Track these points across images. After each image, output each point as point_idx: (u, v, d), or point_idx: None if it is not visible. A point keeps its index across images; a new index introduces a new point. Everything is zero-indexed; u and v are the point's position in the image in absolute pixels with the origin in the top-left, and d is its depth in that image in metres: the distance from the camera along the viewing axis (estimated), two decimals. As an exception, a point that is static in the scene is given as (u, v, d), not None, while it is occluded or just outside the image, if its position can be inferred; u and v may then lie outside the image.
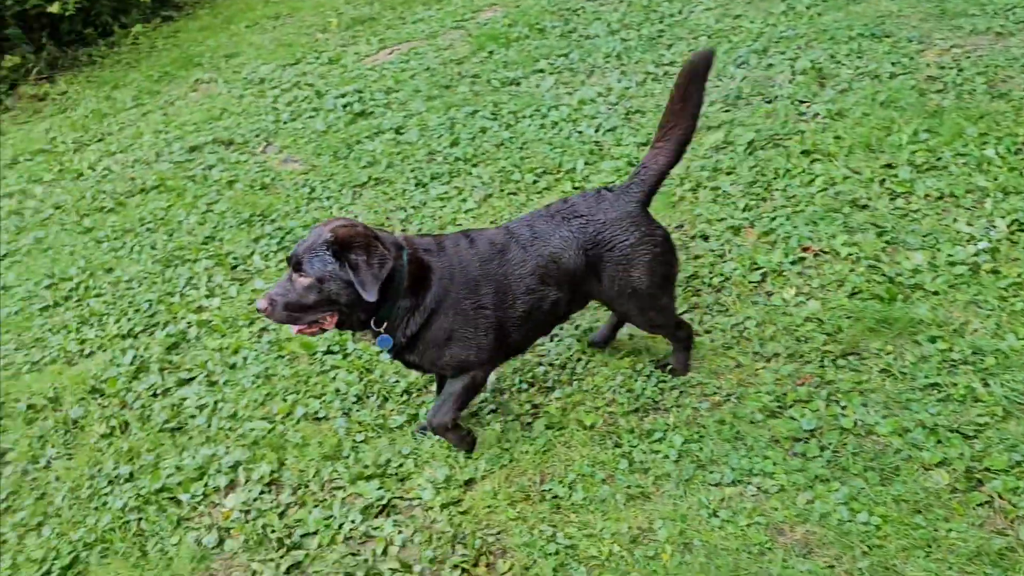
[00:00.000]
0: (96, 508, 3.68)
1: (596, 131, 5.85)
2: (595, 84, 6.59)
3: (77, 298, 5.35)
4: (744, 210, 4.66)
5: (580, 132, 5.88)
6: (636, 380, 3.67)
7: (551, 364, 3.92)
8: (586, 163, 5.45)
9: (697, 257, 4.38)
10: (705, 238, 4.52)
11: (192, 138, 7.44)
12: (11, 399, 4.47)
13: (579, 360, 3.89)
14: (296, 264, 3.06)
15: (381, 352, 3.35)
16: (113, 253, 5.79)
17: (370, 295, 2.99)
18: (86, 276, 5.54)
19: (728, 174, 5.00)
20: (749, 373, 3.62)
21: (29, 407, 4.38)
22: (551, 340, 4.07)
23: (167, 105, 8.58)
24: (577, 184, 5.26)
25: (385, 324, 3.20)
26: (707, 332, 3.87)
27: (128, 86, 9.27)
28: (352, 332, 3.35)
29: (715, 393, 3.55)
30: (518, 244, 3.32)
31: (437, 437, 3.55)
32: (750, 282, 4.13)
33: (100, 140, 8.02)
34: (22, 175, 7.45)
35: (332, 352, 4.28)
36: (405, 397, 3.94)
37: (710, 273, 4.22)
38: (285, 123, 7.35)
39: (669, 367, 3.72)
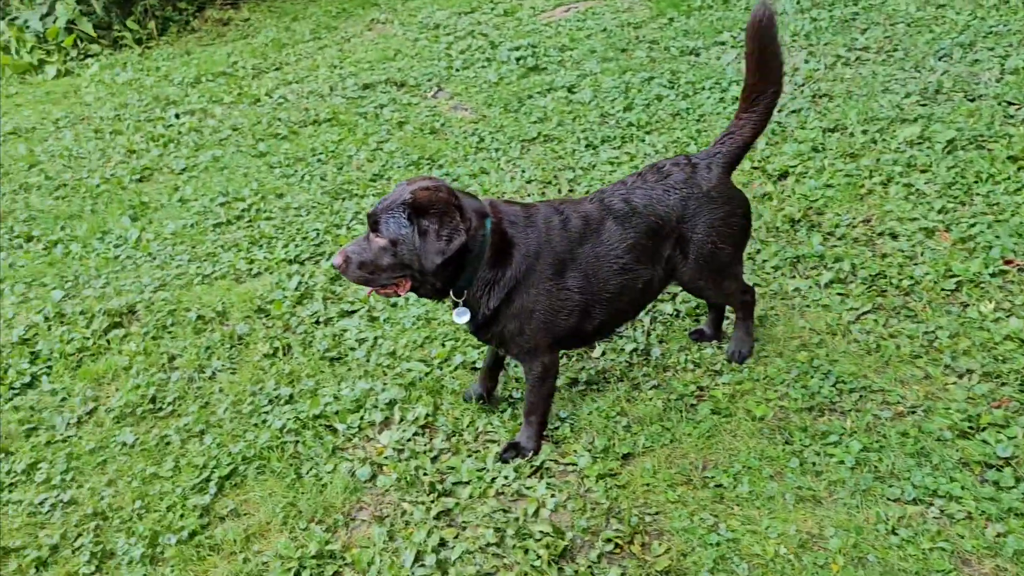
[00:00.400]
0: (256, 425, 3.78)
1: (779, 111, 5.57)
2: (781, 62, 6.27)
3: (248, 219, 5.50)
4: (939, 212, 4.34)
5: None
6: (812, 377, 3.47)
7: (720, 347, 3.76)
8: (767, 143, 5.20)
9: (884, 256, 4.11)
10: (894, 236, 4.24)
11: (366, 76, 7.53)
12: (182, 307, 4.64)
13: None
14: (373, 223, 2.95)
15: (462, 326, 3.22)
16: (284, 179, 5.92)
17: (430, 265, 2.88)
18: (258, 199, 5.69)
19: (923, 172, 4.66)
20: (938, 387, 3.36)
21: (199, 317, 4.54)
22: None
23: (343, 41, 8.72)
24: (755, 165, 5.03)
25: (465, 295, 3.08)
26: (892, 336, 3.63)
27: (307, 19, 9.46)
28: (432, 300, 3.21)
29: (898, 403, 3.32)
30: (615, 219, 3.17)
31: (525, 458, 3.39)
32: (943, 290, 3.84)
33: (277, 69, 8.23)
34: (204, 95, 7.72)
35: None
36: (565, 360, 3.86)
37: (899, 275, 3.95)
38: (457, 70, 7.34)
39: (738, 353, 3.63)
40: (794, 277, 4.09)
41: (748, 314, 3.61)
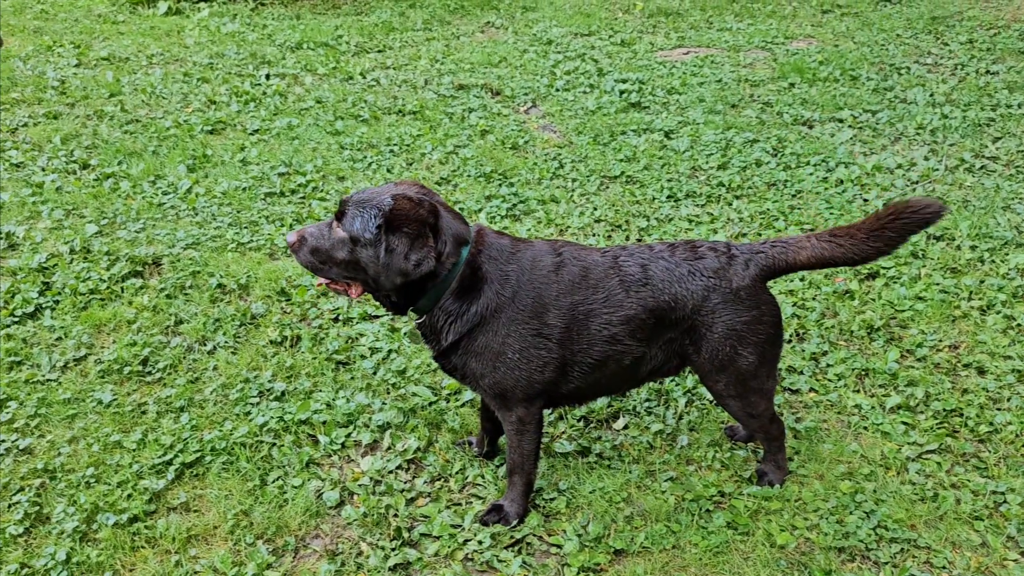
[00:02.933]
0: (238, 415, 3.49)
1: (884, 205, 5.07)
2: (898, 153, 5.78)
3: (302, 195, 5.26)
4: (1040, 357, 3.82)
5: (866, 200, 5.15)
6: (851, 513, 3.01)
7: (754, 451, 3.32)
8: (863, 237, 4.71)
9: (966, 391, 3.61)
10: (981, 372, 3.74)
11: (464, 76, 7.27)
12: (206, 271, 4.40)
13: (790, 459, 3.27)
14: (340, 212, 2.70)
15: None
16: (351, 163, 5.68)
17: (388, 283, 2.65)
18: (318, 176, 5.45)
19: (1031, 307, 4.14)
20: (995, 560, 2.87)
21: (219, 286, 4.29)
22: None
23: (452, 38, 8.50)
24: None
25: (424, 319, 2.79)
26: (954, 487, 3.14)
27: (423, 8, 9.28)
28: (388, 311, 2.92)
29: (944, 568, 2.84)
30: (622, 282, 2.79)
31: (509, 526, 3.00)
32: (1025, 447, 3.33)
33: (380, 51, 8.04)
34: (300, 61, 7.56)
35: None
36: (582, 424, 3.47)
37: (977, 417, 3.45)
38: (557, 90, 7.03)
39: (766, 478, 3.15)
40: (857, 392, 3.62)
41: (776, 447, 3.14)
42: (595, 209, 5.10)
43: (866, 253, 2.81)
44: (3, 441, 3.35)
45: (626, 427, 3.44)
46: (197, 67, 7.32)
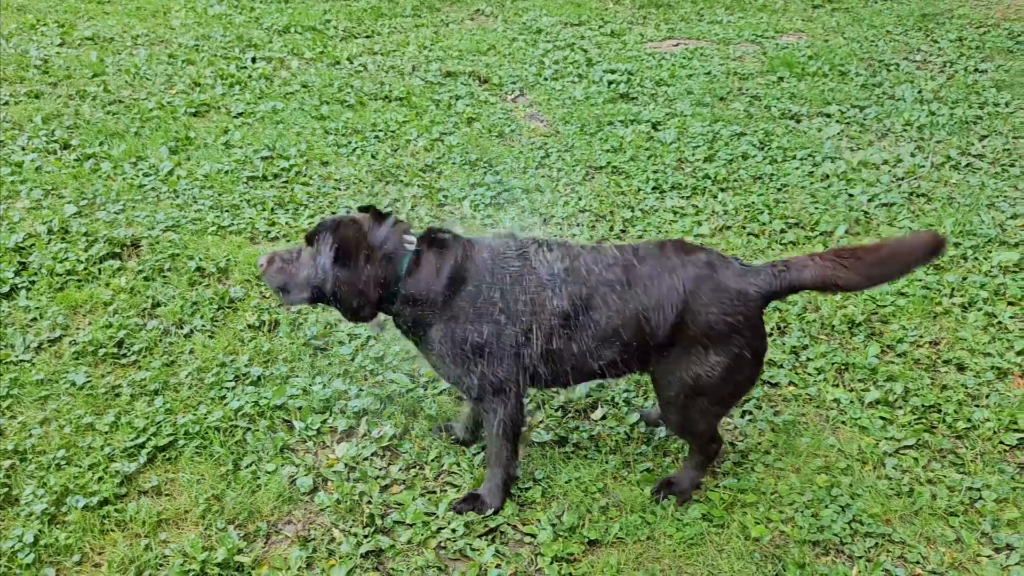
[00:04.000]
0: (212, 399, 3.45)
1: (869, 200, 5.08)
2: (884, 149, 5.78)
3: (285, 179, 5.21)
4: (1019, 354, 3.81)
5: (851, 196, 5.13)
6: (826, 507, 3.00)
7: (731, 443, 3.31)
8: (847, 231, 4.71)
9: (945, 387, 3.61)
10: (961, 368, 3.74)
11: (452, 63, 7.22)
12: (186, 254, 4.35)
13: (767, 452, 3.26)
14: (310, 235, 2.78)
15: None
16: (335, 148, 5.63)
17: (343, 302, 2.75)
18: (302, 161, 5.39)
19: (1011, 304, 4.14)
20: (968, 556, 2.87)
21: (198, 269, 4.24)
22: (741, 416, 3.46)
23: (441, 24, 8.44)
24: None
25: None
26: (930, 483, 3.14)
27: (413, -6, 9.21)
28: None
29: (918, 563, 2.83)
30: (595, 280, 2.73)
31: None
32: (1001, 443, 3.33)
33: (368, 36, 7.98)
34: (286, 45, 7.49)
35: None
36: (560, 413, 3.45)
37: (955, 413, 3.45)
38: (545, 79, 6.99)
39: (672, 486, 3.04)
40: (837, 386, 3.61)
41: (699, 463, 3.04)
42: (580, 199, 5.07)
43: (872, 281, 2.74)
44: (-27, 422, 3.31)
45: (604, 417, 3.43)
46: (182, 48, 7.24)
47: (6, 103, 6.01)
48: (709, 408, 2.81)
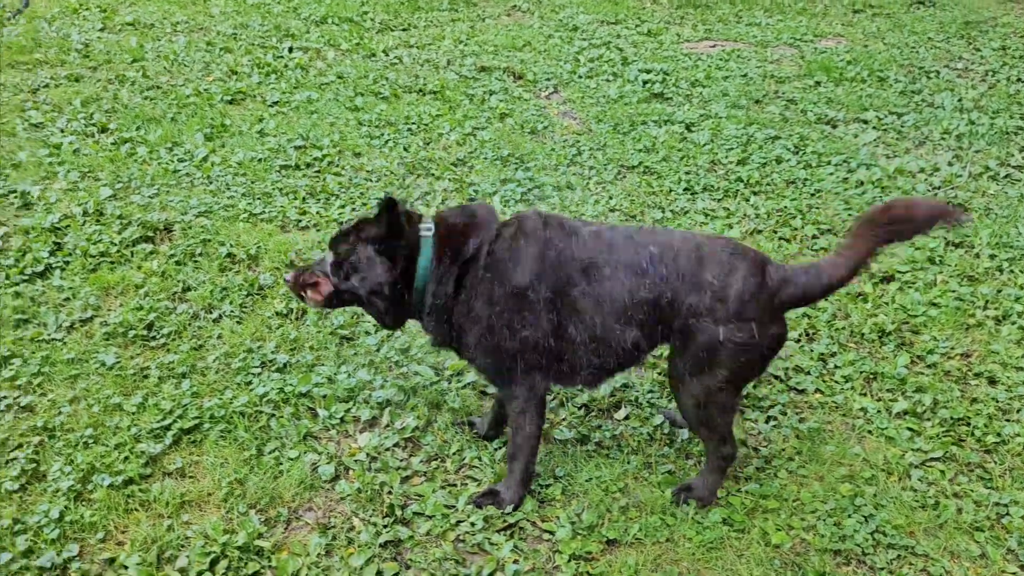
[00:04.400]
0: (239, 384, 3.48)
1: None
2: (921, 157, 5.70)
3: (317, 169, 5.23)
4: (1053, 369, 3.75)
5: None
6: (849, 516, 2.97)
7: (755, 448, 3.29)
8: (881, 239, 4.64)
9: (975, 401, 3.55)
10: (992, 382, 3.68)
11: (487, 59, 7.23)
12: (217, 240, 4.39)
13: (791, 459, 3.23)
14: (331, 243, 2.87)
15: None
16: (368, 140, 5.65)
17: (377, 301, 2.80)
18: (335, 151, 5.42)
19: (1048, 318, 4.07)
20: (994, 572, 2.82)
21: (228, 255, 4.28)
22: (765, 422, 3.43)
23: (477, 19, 8.45)
24: (862, 258, 4.48)
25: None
26: (956, 496, 3.09)
27: (451, -11, 9.22)
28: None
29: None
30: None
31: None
32: (1032, 460, 3.28)
33: (404, 29, 8.00)
34: (324, 36, 7.53)
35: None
36: (583, 412, 3.44)
37: (985, 427, 3.40)
38: (580, 77, 6.97)
39: (691, 491, 3.01)
40: (864, 395, 3.57)
41: (716, 468, 2.99)
42: (611, 198, 5.05)
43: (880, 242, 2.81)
44: (5, 398, 3.36)
45: (627, 417, 3.41)
46: (221, 36, 7.31)
47: (47, 85, 6.10)
48: (722, 397, 2.80)
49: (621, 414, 3.44)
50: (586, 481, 3.09)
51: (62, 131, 5.46)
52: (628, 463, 3.18)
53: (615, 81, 6.93)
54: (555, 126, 6.06)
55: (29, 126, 5.48)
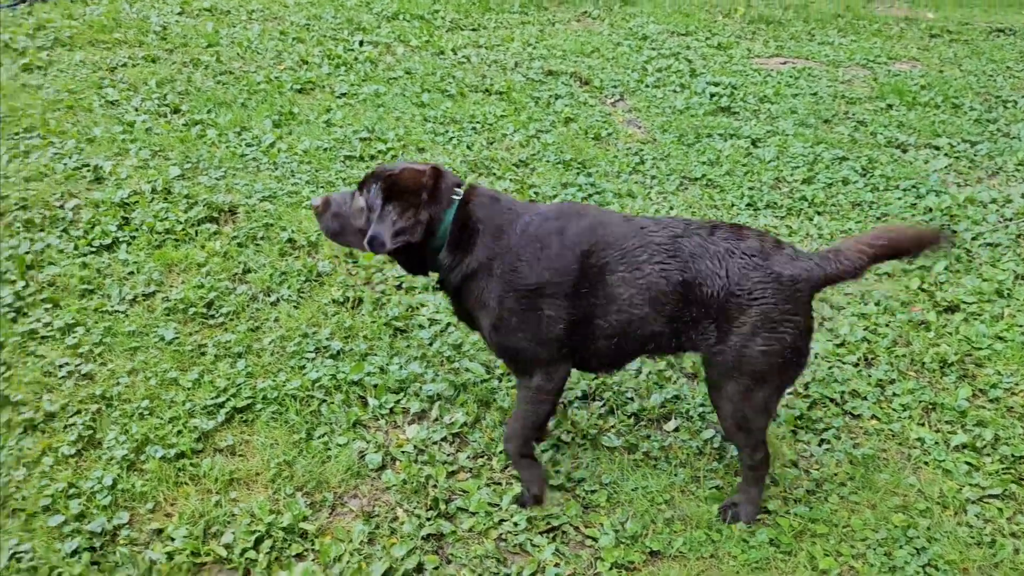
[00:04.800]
0: (292, 368, 3.52)
1: (973, 239, 4.88)
2: (994, 188, 5.55)
3: (381, 161, 5.28)
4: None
5: (954, 232, 4.95)
6: (901, 547, 2.90)
7: (806, 471, 3.23)
8: (946, 267, 4.54)
9: (1038, 439, 3.45)
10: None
11: (554, 63, 7.22)
12: (279, 224, 4.45)
13: (843, 484, 3.17)
14: (362, 182, 2.85)
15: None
16: (432, 136, 5.68)
17: (370, 244, 2.74)
18: (399, 145, 5.46)
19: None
20: (1049, 617, 2.74)
21: (289, 240, 4.33)
22: (818, 444, 3.37)
23: (547, 23, 8.45)
24: (924, 287, 4.38)
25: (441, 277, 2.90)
26: (1013, 536, 2.99)
27: (522, -8, 9.25)
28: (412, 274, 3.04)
29: (996, 618, 2.72)
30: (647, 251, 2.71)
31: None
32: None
33: (474, 29, 8.04)
34: (394, 31, 7.60)
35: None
36: (632, 420, 3.42)
37: (1047, 467, 3.29)
38: (647, 87, 6.93)
39: (736, 511, 2.97)
40: (922, 425, 3.49)
41: (754, 480, 2.96)
42: (672, 209, 5.01)
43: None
44: (67, 364, 3.45)
45: (677, 429, 3.38)
46: (294, 27, 7.42)
47: (124, 65, 6.24)
48: (758, 397, 2.75)
49: (671, 426, 3.40)
50: (632, 490, 3.06)
51: (136, 110, 5.58)
52: (675, 475, 3.15)
53: (682, 92, 6.87)
54: (619, 133, 6.03)
55: (105, 103, 5.61)
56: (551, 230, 2.74)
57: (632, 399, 3.51)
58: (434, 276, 2.94)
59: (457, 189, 2.82)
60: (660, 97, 6.75)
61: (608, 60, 7.49)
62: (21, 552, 2.65)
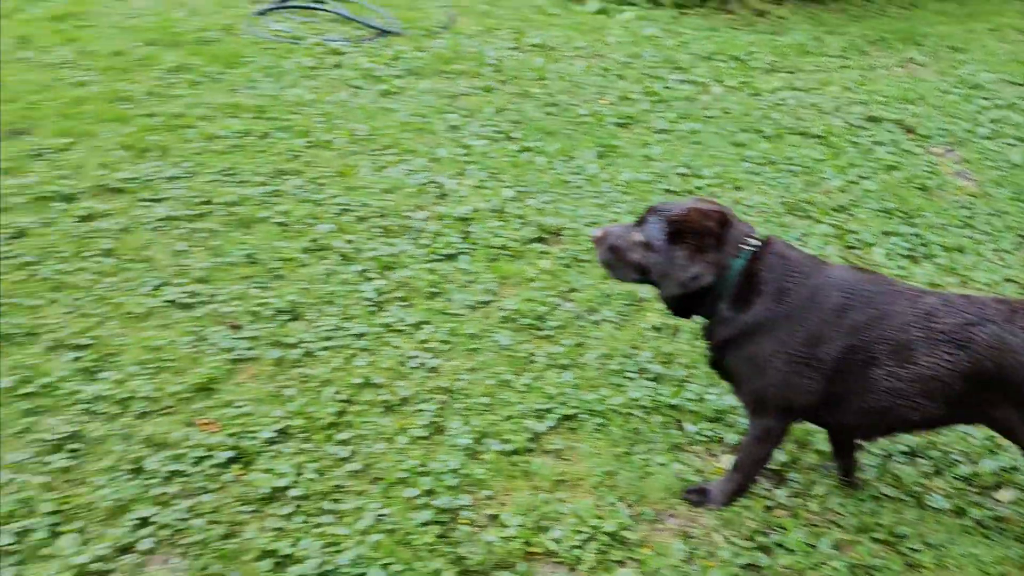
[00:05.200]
0: (615, 385, 3.72)
1: None
2: None
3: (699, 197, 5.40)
4: None
5: None
6: None
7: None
8: None
9: None
10: None
11: (876, 109, 7.01)
12: (601, 250, 4.70)
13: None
14: (641, 217, 2.91)
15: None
16: (749, 175, 5.73)
17: (666, 292, 2.87)
18: (717, 182, 5.59)
19: None
20: None
21: (611, 265, 4.57)
22: None
23: (868, 69, 8.20)
24: None
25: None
26: None
27: (842, 36, 9.03)
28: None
29: None
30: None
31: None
32: None
33: (791, 72, 7.97)
34: (710, 71, 7.72)
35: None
36: (962, 483, 3.26)
37: None
38: (979, 138, 6.55)
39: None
40: None
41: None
42: (1006, 268, 4.72)
43: None
44: (417, 356, 3.87)
45: (1016, 501, 3.19)
46: (615, 64, 7.75)
47: (464, 93, 6.85)
48: None
49: (1006, 496, 3.22)
50: (961, 556, 2.94)
51: (474, 134, 6.11)
52: (1009, 548, 2.98)
53: (1019, 146, 6.42)
54: (947, 185, 5.75)
55: (448, 127, 6.20)
56: (835, 306, 2.76)
57: (961, 462, 3.36)
58: (697, 319, 3.05)
59: (748, 239, 2.86)
60: (994, 149, 6.35)
61: (935, 108, 7.14)
62: (383, 515, 3.02)
